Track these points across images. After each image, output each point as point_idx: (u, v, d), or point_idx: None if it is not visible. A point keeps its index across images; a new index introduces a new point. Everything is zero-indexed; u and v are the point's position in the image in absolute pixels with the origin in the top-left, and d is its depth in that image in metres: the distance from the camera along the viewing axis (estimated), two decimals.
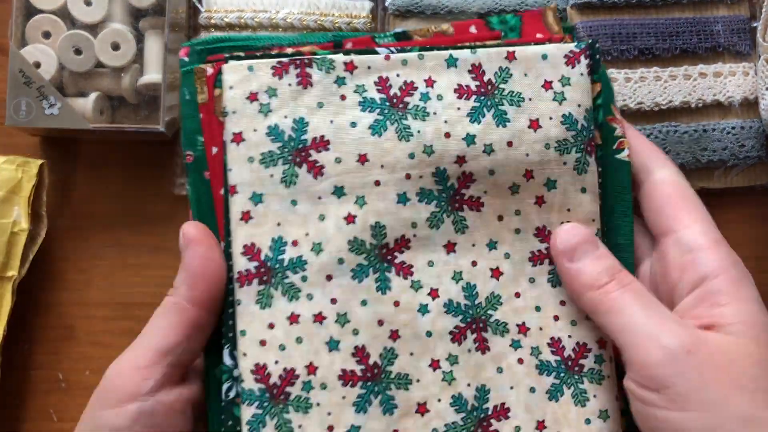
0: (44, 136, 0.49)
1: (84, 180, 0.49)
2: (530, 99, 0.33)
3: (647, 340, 0.28)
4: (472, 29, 0.37)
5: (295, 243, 0.32)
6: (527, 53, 0.33)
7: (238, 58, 0.33)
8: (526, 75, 0.33)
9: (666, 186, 0.33)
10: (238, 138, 0.32)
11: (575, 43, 0.34)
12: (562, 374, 0.33)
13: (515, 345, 0.33)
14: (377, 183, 0.32)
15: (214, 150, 0.33)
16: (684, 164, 0.49)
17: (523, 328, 0.33)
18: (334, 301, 0.32)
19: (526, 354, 0.33)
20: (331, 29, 0.49)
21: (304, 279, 0.32)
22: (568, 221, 0.34)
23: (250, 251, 0.32)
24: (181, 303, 0.31)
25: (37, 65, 0.46)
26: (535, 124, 0.33)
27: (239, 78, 0.32)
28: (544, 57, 0.33)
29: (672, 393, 0.27)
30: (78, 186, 0.49)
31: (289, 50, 0.35)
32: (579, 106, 0.34)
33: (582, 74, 0.34)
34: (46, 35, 0.47)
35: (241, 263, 0.32)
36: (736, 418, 0.26)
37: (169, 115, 0.45)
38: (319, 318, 0.31)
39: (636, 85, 0.49)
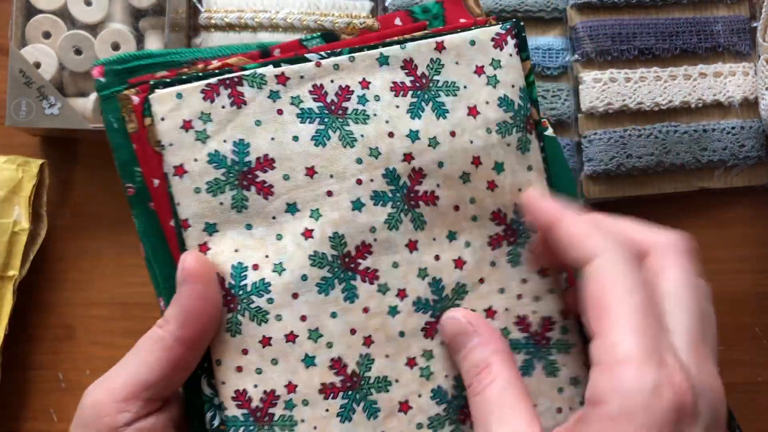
0: (44, 136, 0.49)
1: (84, 180, 0.49)
2: (465, 87, 0.33)
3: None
4: (397, 21, 0.36)
5: (255, 267, 0.32)
6: (455, 41, 0.33)
7: (164, 83, 0.32)
8: (457, 63, 0.33)
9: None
10: (180, 171, 0.31)
11: (500, 25, 0.34)
12: (532, 349, 0.34)
13: None
14: (329, 193, 0.32)
15: (156, 182, 0.32)
16: (684, 164, 0.49)
17: (490, 312, 0.34)
18: (303, 318, 0.32)
19: None
20: (331, 29, 0.49)
21: (270, 301, 0.31)
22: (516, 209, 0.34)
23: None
24: (169, 341, 0.30)
25: (38, 65, 0.46)
26: (473, 111, 0.33)
27: (169, 108, 0.31)
28: (472, 43, 0.34)
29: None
30: (78, 186, 0.49)
31: (215, 62, 0.34)
32: (513, 86, 0.34)
33: (511, 55, 0.34)
34: (47, 35, 0.47)
35: None
36: None
37: None
38: (291, 337, 0.31)
39: (636, 85, 0.49)
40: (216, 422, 0.32)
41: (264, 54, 0.34)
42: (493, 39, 0.34)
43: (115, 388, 0.30)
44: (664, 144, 0.49)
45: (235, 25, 0.48)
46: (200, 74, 0.32)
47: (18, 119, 0.45)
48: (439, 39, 0.33)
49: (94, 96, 0.46)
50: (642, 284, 0.27)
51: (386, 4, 0.50)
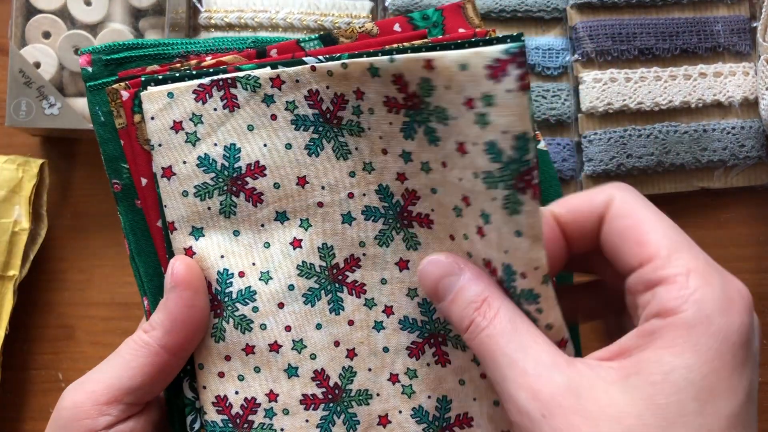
0: (44, 136, 0.49)
1: (84, 180, 0.49)
2: (455, 118, 0.27)
3: (518, 391, 0.25)
4: (396, 27, 0.35)
5: (242, 274, 0.31)
6: (445, 62, 0.26)
7: (155, 80, 0.31)
8: (447, 88, 0.26)
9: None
10: (168, 172, 0.31)
11: (502, 47, 0.24)
12: None
13: (476, 361, 0.32)
14: (320, 204, 0.31)
15: (144, 181, 0.32)
16: (684, 164, 0.49)
17: None
18: (288, 328, 0.31)
19: None
20: (331, 29, 0.49)
21: (255, 310, 0.31)
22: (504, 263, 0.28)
23: None
24: (154, 347, 0.30)
25: (37, 65, 0.46)
26: (461, 148, 0.27)
27: (160, 107, 0.31)
28: (463, 67, 0.25)
29: None
30: (78, 186, 0.49)
31: (209, 58, 0.33)
32: (505, 132, 0.25)
33: (509, 90, 0.24)
34: (46, 35, 0.47)
35: None
36: None
37: None
38: (274, 347, 0.31)
39: (636, 85, 0.49)
40: (196, 426, 0.32)
41: (260, 54, 0.33)
42: (488, 66, 0.24)
43: (96, 390, 0.30)
44: (664, 144, 0.49)
45: (235, 25, 0.48)
46: (193, 72, 0.32)
47: (18, 119, 0.45)
48: (427, 56, 0.26)
49: None
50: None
51: (386, 4, 0.50)
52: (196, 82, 0.31)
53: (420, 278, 0.29)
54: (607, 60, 0.49)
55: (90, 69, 0.33)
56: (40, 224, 0.47)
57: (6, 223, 0.45)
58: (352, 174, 0.31)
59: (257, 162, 0.31)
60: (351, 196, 0.32)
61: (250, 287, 0.31)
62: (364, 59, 0.29)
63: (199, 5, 0.48)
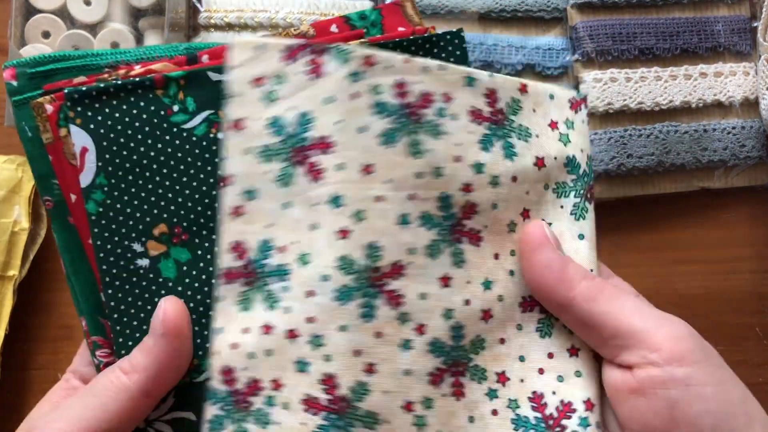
0: None
1: None
2: (537, 136, 0.32)
3: (662, 320, 0.29)
4: (333, 28, 0.34)
5: (282, 249, 0.30)
6: (537, 89, 0.33)
7: (79, 92, 0.30)
8: (534, 111, 0.32)
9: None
10: (239, 125, 0.30)
11: (577, 92, 0.34)
12: None
13: (491, 395, 0.31)
14: (379, 198, 0.29)
15: (73, 198, 0.31)
16: (684, 164, 0.49)
17: (502, 377, 0.31)
18: (311, 320, 0.29)
19: (502, 406, 0.31)
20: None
21: (285, 289, 0.29)
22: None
23: (238, 249, 0.30)
24: (135, 391, 0.29)
25: None
26: (540, 162, 0.32)
27: (246, 57, 0.30)
28: (552, 97, 0.33)
29: (706, 365, 0.29)
30: None
31: (138, 67, 0.32)
32: (582, 151, 0.33)
33: (583, 121, 0.33)
34: (46, 35, 0.47)
35: (227, 260, 0.30)
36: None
37: None
38: (291, 335, 0.29)
39: (636, 85, 0.49)
40: (201, 377, 0.31)
41: (191, 60, 0.32)
42: (569, 100, 0.33)
43: (67, 427, 0.29)
44: (665, 144, 0.49)
45: (234, 24, 0.48)
46: (120, 81, 0.31)
47: None
48: (524, 81, 0.32)
49: None
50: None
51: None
52: (287, 41, 0.30)
53: (533, 229, 0.31)
54: (607, 60, 0.49)
55: (15, 83, 0.32)
56: (40, 224, 0.47)
57: (6, 223, 0.45)
58: (419, 175, 0.29)
59: (327, 137, 0.29)
60: (412, 197, 0.29)
61: (285, 265, 0.30)
62: (464, 67, 0.31)
63: (198, 5, 0.48)
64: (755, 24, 0.50)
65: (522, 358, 0.31)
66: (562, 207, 0.32)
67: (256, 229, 0.30)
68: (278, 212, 0.30)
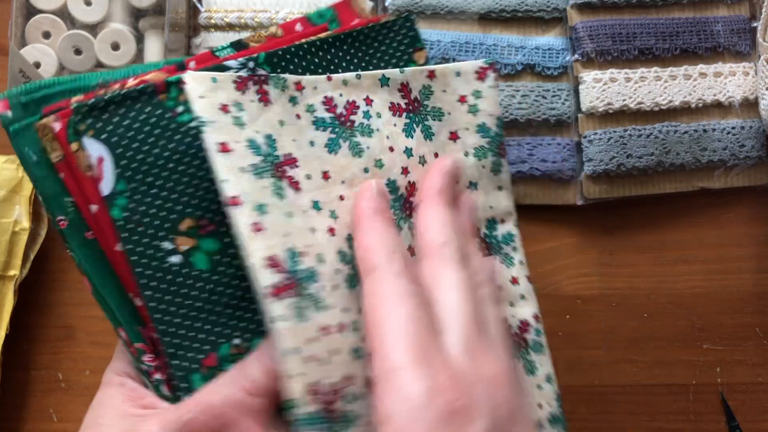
0: None
1: None
2: (449, 113, 0.37)
3: None
4: (298, 27, 0.38)
5: (303, 254, 0.31)
6: (444, 71, 0.37)
7: (85, 105, 0.31)
8: (444, 92, 0.37)
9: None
10: (224, 148, 0.30)
11: (483, 60, 0.38)
12: (514, 350, 0.37)
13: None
14: (341, 198, 0.33)
15: (94, 208, 0.31)
16: (684, 164, 0.49)
17: None
18: (345, 309, 0.31)
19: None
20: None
21: (322, 288, 0.30)
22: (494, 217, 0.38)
23: (274, 263, 0.30)
24: (259, 414, 0.30)
25: (37, 65, 0.46)
26: (454, 136, 0.37)
27: (206, 88, 0.31)
28: (458, 74, 0.37)
29: None
30: None
31: (132, 80, 0.33)
32: (490, 115, 0.38)
33: (491, 87, 0.38)
34: (46, 35, 0.47)
35: (267, 276, 0.30)
36: None
37: None
38: (342, 327, 0.30)
39: (636, 85, 0.49)
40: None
41: (180, 68, 0.34)
42: (476, 71, 0.37)
43: None
44: (664, 144, 0.49)
45: (235, 25, 0.48)
46: (120, 93, 0.31)
47: None
48: (431, 67, 0.37)
49: None
50: (412, 293, 0.28)
51: (386, 4, 0.50)
52: (236, 73, 0.32)
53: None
54: (607, 60, 0.49)
55: (9, 113, 0.32)
56: (41, 224, 0.47)
57: (6, 222, 0.45)
58: (365, 170, 0.34)
59: (290, 153, 0.32)
60: None
61: (311, 267, 0.31)
62: (376, 71, 0.36)
63: (199, 5, 0.48)
64: (755, 24, 0.50)
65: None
66: (483, 167, 0.37)
67: (279, 241, 0.30)
68: (286, 223, 0.31)
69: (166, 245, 0.32)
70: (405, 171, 0.35)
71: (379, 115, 0.35)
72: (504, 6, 0.49)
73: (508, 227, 0.38)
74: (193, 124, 0.32)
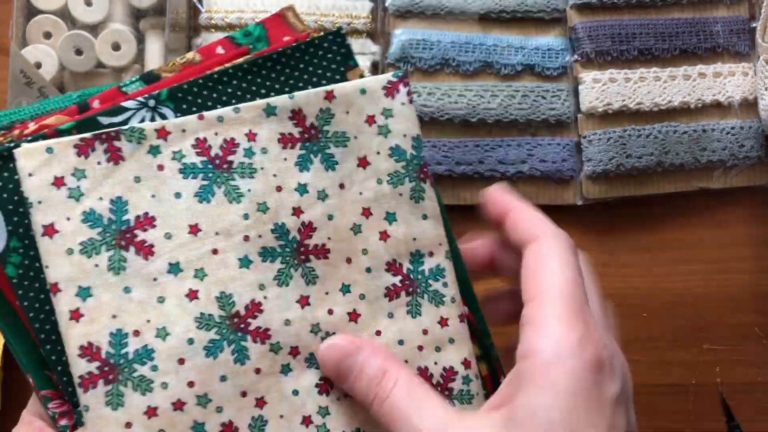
0: None
1: None
2: (355, 137, 0.32)
3: None
4: (219, 50, 0.35)
5: (136, 333, 0.30)
6: (346, 90, 0.32)
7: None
8: (347, 113, 0.32)
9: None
10: (50, 230, 0.30)
11: (392, 73, 0.33)
12: None
13: None
14: (215, 251, 0.31)
15: None
16: (684, 164, 0.49)
17: None
18: (191, 384, 0.30)
19: None
20: (331, 30, 0.49)
21: (154, 368, 0.30)
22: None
23: (89, 351, 0.30)
24: None
25: (38, 65, 0.46)
26: (363, 162, 0.32)
27: (38, 163, 0.30)
28: (363, 92, 0.32)
29: None
30: None
31: (32, 125, 0.32)
32: (405, 135, 0.33)
33: (403, 103, 0.33)
34: (47, 35, 0.47)
35: (80, 366, 0.30)
36: None
37: None
38: (178, 405, 0.30)
39: (635, 86, 0.49)
40: None
41: (82, 108, 0.33)
42: (384, 87, 0.33)
43: None
44: (664, 144, 0.49)
45: (235, 25, 0.48)
46: (11, 145, 0.30)
47: None
48: (329, 88, 0.32)
49: None
50: (575, 264, 0.29)
51: (386, 4, 0.50)
52: (78, 136, 0.30)
53: (321, 363, 0.31)
54: (606, 60, 0.49)
55: None
56: None
57: None
58: (246, 216, 0.31)
59: (146, 213, 0.30)
60: (246, 238, 0.31)
61: (146, 345, 0.30)
62: (260, 101, 0.31)
63: (199, 5, 0.48)
64: (754, 24, 0.50)
65: (401, 342, 0.33)
66: (401, 194, 0.33)
67: (101, 325, 0.30)
68: (120, 300, 0.30)
69: None
70: (297, 212, 0.32)
71: (264, 151, 0.32)
72: (504, 6, 0.49)
73: (437, 260, 0.33)
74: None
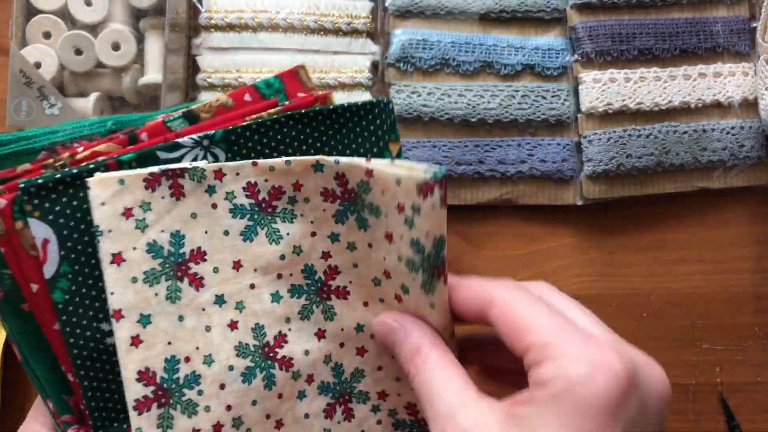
0: None
1: None
2: (386, 215, 0.32)
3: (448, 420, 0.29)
4: (247, 97, 0.37)
5: (187, 359, 0.32)
6: (383, 175, 0.31)
7: (37, 186, 0.31)
8: (383, 193, 0.32)
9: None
10: (118, 259, 0.31)
11: (430, 174, 0.29)
12: (415, 430, 0.37)
13: (375, 409, 0.37)
14: (252, 286, 0.34)
15: (35, 287, 0.32)
16: (683, 164, 0.49)
17: (383, 395, 0.37)
18: (229, 407, 0.33)
19: (384, 415, 0.37)
20: (331, 30, 0.49)
21: (200, 393, 0.32)
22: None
23: (145, 376, 0.32)
24: None
25: (38, 65, 0.46)
26: (389, 237, 0.32)
27: (111, 193, 0.31)
28: (398, 182, 0.31)
29: None
30: None
31: (81, 149, 0.33)
32: (427, 234, 0.31)
33: (433, 206, 0.30)
34: (47, 35, 0.47)
35: (136, 390, 0.31)
36: None
37: None
38: (217, 427, 0.32)
39: (636, 85, 0.49)
40: None
41: (132, 140, 0.34)
42: (418, 186, 0.30)
43: None
44: (664, 144, 0.49)
45: (235, 25, 0.48)
46: (74, 170, 0.31)
47: (18, 119, 0.45)
48: (369, 167, 0.32)
49: (94, 96, 0.46)
50: (539, 299, 0.30)
51: (386, 4, 0.50)
52: (147, 170, 0.32)
53: (374, 332, 0.34)
54: (606, 60, 0.49)
55: None
56: None
57: None
58: (282, 257, 0.34)
59: (199, 248, 0.33)
60: (280, 276, 0.34)
61: (195, 371, 0.32)
62: (310, 157, 0.34)
63: (199, 5, 0.48)
64: (754, 24, 0.50)
65: (398, 379, 0.36)
66: (413, 280, 0.32)
67: (158, 351, 0.32)
68: (175, 328, 0.32)
69: (104, 327, 0.32)
70: (326, 255, 0.35)
71: (307, 200, 0.34)
72: (504, 6, 0.49)
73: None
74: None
